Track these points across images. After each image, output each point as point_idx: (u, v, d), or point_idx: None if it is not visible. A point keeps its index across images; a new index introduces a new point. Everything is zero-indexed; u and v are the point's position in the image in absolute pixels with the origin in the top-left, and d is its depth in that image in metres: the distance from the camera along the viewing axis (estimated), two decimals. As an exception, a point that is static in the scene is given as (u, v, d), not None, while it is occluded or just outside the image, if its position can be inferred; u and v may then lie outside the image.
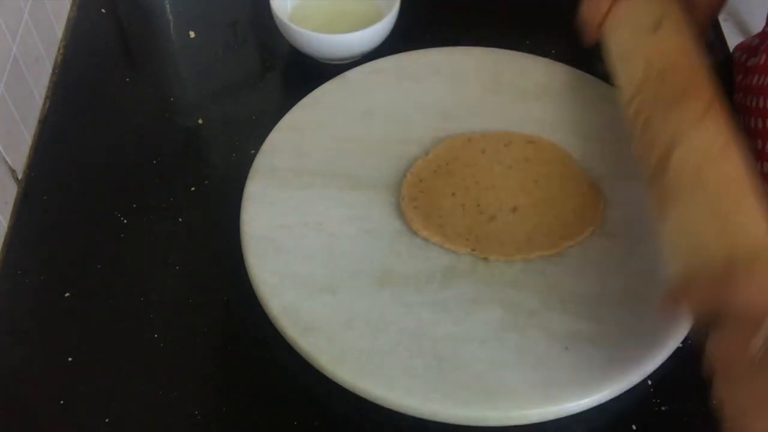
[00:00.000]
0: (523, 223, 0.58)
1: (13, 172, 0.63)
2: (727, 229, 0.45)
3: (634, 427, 0.52)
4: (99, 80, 0.72)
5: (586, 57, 0.67)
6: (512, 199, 0.59)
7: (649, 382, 0.53)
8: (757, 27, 0.71)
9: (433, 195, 0.59)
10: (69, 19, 0.76)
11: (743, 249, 0.44)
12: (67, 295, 0.58)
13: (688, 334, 0.52)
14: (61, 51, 0.74)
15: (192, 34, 0.75)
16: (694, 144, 0.50)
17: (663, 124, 0.53)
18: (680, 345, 0.53)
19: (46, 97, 0.70)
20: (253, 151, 0.63)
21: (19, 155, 0.64)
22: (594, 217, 0.58)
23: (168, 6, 0.78)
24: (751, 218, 0.46)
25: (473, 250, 0.56)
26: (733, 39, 0.74)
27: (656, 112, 0.54)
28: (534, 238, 0.57)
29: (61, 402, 0.52)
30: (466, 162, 0.61)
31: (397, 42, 0.71)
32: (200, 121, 0.69)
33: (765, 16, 0.69)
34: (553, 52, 0.70)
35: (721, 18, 0.78)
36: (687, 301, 0.45)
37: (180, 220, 0.62)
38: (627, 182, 0.60)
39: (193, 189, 0.64)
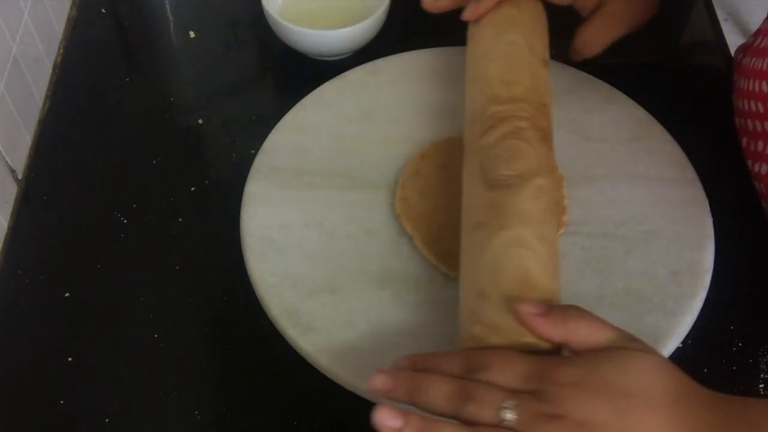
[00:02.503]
0: None
1: (13, 172, 0.63)
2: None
3: (634, 427, 0.52)
4: (99, 80, 0.72)
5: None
6: None
7: (649, 382, 0.53)
8: (756, 27, 0.71)
9: (426, 197, 0.59)
10: (69, 19, 0.76)
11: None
12: (67, 295, 0.58)
13: None
14: (61, 51, 0.74)
15: (192, 34, 0.75)
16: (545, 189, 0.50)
17: (528, 150, 0.52)
18: (680, 345, 0.53)
19: (46, 97, 0.70)
20: (253, 151, 0.63)
21: (19, 155, 0.64)
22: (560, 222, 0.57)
23: (168, 6, 0.78)
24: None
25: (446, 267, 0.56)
26: (733, 39, 0.74)
27: (526, 134, 0.53)
28: None
29: (61, 402, 0.52)
30: (462, 163, 0.61)
31: (396, 42, 0.71)
32: (200, 121, 0.69)
33: (765, 16, 0.69)
34: (553, 52, 0.69)
35: (721, 18, 0.78)
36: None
37: (180, 220, 0.62)
38: (627, 182, 0.60)
39: (193, 189, 0.64)
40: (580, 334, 0.42)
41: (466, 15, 0.62)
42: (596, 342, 0.42)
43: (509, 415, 0.39)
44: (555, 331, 0.42)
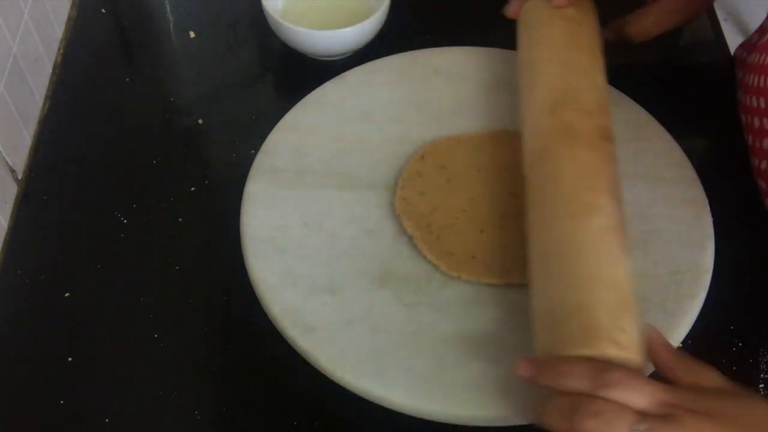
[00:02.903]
0: (509, 239, 0.57)
1: (13, 172, 0.63)
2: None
3: (634, 427, 0.52)
4: (99, 80, 0.72)
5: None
6: (503, 206, 0.59)
7: (649, 382, 0.53)
8: (757, 26, 0.71)
9: (426, 197, 0.59)
10: (69, 19, 0.76)
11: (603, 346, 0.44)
12: (67, 295, 0.58)
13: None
14: (61, 51, 0.74)
15: (192, 34, 0.75)
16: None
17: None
18: (680, 345, 0.53)
19: (46, 97, 0.70)
20: (253, 151, 0.63)
21: (19, 155, 0.64)
22: None
23: (168, 6, 0.78)
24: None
25: (447, 267, 0.56)
26: (733, 39, 0.74)
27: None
28: (518, 260, 0.55)
29: (61, 402, 0.52)
30: (462, 163, 0.61)
31: (396, 42, 0.71)
32: (200, 121, 0.69)
33: (765, 16, 0.69)
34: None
35: (721, 18, 0.78)
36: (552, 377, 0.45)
37: (180, 220, 0.62)
38: (627, 182, 0.60)
39: (193, 189, 0.64)
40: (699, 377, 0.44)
41: (510, 12, 0.63)
42: (708, 383, 0.44)
43: None
44: (685, 376, 0.44)
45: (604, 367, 0.43)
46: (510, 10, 0.63)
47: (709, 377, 0.44)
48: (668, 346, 0.46)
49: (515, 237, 0.56)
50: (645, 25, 0.61)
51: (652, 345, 0.45)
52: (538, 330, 0.48)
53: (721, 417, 0.41)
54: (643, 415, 0.41)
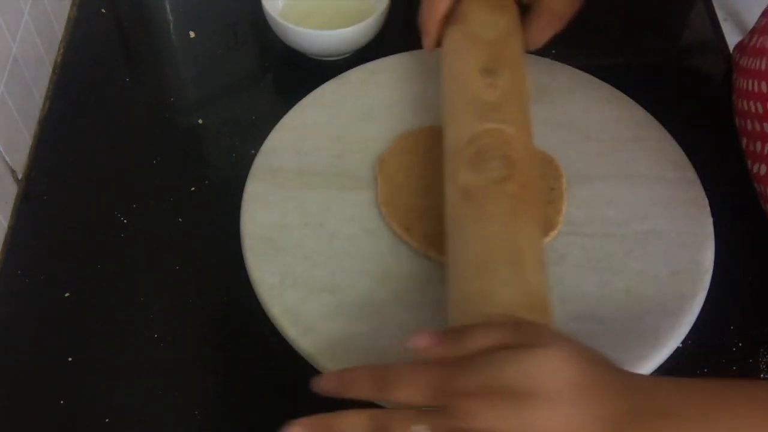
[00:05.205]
0: None
1: (13, 172, 0.63)
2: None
3: (634, 427, 0.52)
4: (99, 80, 0.72)
5: (585, 57, 0.67)
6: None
7: (649, 382, 0.53)
8: (755, 28, 0.71)
9: (406, 191, 0.59)
10: (69, 19, 0.76)
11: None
12: (67, 295, 0.58)
13: None
14: (61, 51, 0.74)
15: (192, 34, 0.75)
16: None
17: None
18: (680, 345, 0.53)
19: (46, 97, 0.70)
20: (253, 151, 0.63)
21: (19, 155, 0.64)
22: (554, 222, 0.58)
23: (168, 6, 0.78)
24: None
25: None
26: (732, 39, 0.74)
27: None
28: None
29: (61, 402, 0.52)
30: (441, 154, 0.61)
31: (396, 42, 0.71)
32: (200, 121, 0.69)
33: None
34: (554, 52, 0.69)
35: (721, 18, 0.78)
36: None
37: (180, 220, 0.62)
38: (627, 182, 0.60)
39: (193, 189, 0.64)
40: (475, 344, 0.41)
41: (426, 46, 0.63)
42: (490, 343, 0.41)
43: None
44: (452, 350, 0.42)
45: (383, 367, 0.42)
46: (427, 42, 0.62)
47: (486, 336, 0.41)
48: (429, 335, 0.43)
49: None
50: (531, 33, 0.61)
51: (416, 351, 0.42)
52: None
53: (497, 387, 0.39)
54: (421, 413, 0.40)
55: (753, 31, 0.67)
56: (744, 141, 0.63)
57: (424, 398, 0.40)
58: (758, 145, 0.61)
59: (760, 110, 0.60)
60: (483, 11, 0.60)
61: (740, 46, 0.69)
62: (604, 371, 0.40)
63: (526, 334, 0.42)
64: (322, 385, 0.44)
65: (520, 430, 0.38)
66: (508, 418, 0.38)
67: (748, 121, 0.62)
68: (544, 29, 0.61)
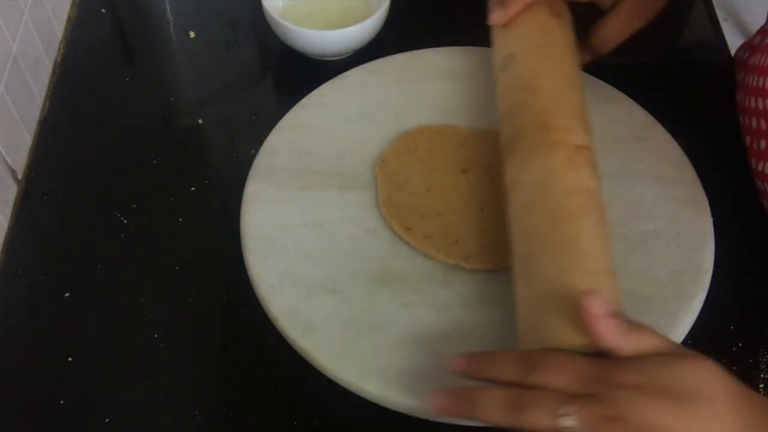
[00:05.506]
0: (492, 228, 0.57)
1: (13, 172, 0.63)
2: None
3: (634, 427, 0.52)
4: (99, 80, 0.72)
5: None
6: (484, 200, 0.59)
7: (649, 382, 0.53)
8: (756, 27, 0.71)
9: (406, 192, 0.59)
10: (69, 19, 0.76)
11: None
12: (67, 295, 0.58)
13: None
14: (61, 51, 0.74)
15: (192, 34, 0.75)
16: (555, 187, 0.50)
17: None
18: (680, 345, 0.53)
19: (46, 97, 0.70)
20: (253, 151, 0.63)
21: (19, 155, 0.64)
22: None
23: (168, 6, 0.78)
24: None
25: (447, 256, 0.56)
26: (732, 39, 0.74)
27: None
28: (501, 246, 0.56)
29: (61, 402, 0.52)
30: (441, 155, 0.61)
31: (396, 42, 0.71)
32: (200, 121, 0.69)
33: (765, 16, 0.69)
34: (553, 52, 0.69)
35: (721, 18, 0.78)
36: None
37: (180, 220, 0.62)
38: (627, 182, 0.60)
39: (193, 189, 0.64)
40: (641, 343, 0.42)
41: (494, 19, 0.62)
42: (650, 348, 0.42)
43: (569, 422, 0.38)
44: (627, 346, 0.41)
45: (531, 352, 0.42)
46: (495, 18, 0.61)
47: (650, 341, 0.42)
48: (607, 317, 0.42)
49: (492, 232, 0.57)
50: (604, 35, 0.60)
51: (589, 318, 0.42)
52: (521, 316, 0.48)
53: (658, 387, 0.39)
54: (571, 396, 0.39)
55: (764, 31, 0.67)
56: (748, 139, 0.63)
57: (575, 383, 0.40)
58: (762, 144, 0.61)
59: (764, 107, 0.60)
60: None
61: (748, 46, 0.69)
62: (751, 390, 0.42)
63: (677, 346, 0.43)
64: (463, 365, 0.44)
65: (677, 429, 0.38)
66: (667, 415, 0.38)
67: (753, 119, 0.62)
68: (621, 29, 0.60)
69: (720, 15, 0.78)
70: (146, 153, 0.66)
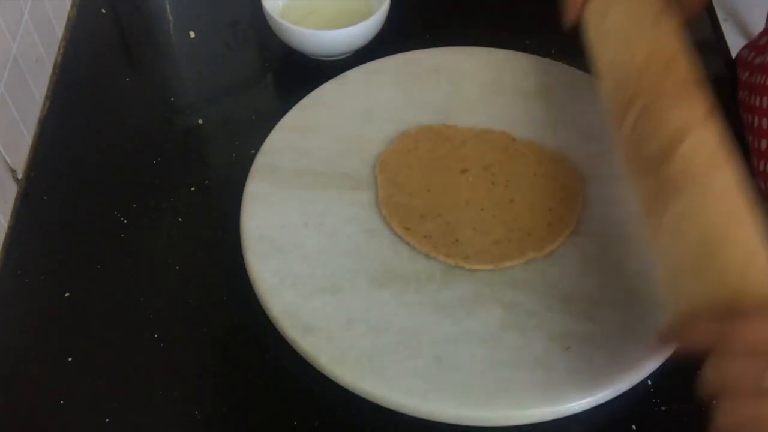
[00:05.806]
0: (491, 228, 0.57)
1: (13, 172, 0.63)
2: (728, 257, 0.43)
3: (634, 427, 0.52)
4: (99, 80, 0.72)
5: (586, 57, 0.67)
6: (484, 200, 0.59)
7: (649, 382, 0.53)
8: (756, 26, 0.71)
9: (406, 192, 0.59)
10: (69, 19, 0.76)
11: (749, 286, 0.42)
12: (67, 295, 0.58)
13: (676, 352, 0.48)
14: (61, 51, 0.74)
15: (192, 34, 0.75)
16: (703, 140, 0.49)
17: (668, 114, 0.51)
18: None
19: (46, 97, 0.70)
20: (253, 151, 0.63)
21: (19, 155, 0.64)
22: (569, 221, 0.58)
23: (168, 6, 0.78)
24: (751, 241, 0.44)
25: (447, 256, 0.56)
26: (732, 39, 0.74)
27: (659, 102, 0.52)
28: (501, 245, 0.56)
29: (61, 402, 0.52)
30: (441, 155, 0.61)
31: (396, 42, 0.71)
32: (200, 121, 0.69)
33: (765, 16, 0.69)
34: (553, 52, 0.70)
35: (721, 18, 0.78)
36: (688, 338, 0.43)
37: (180, 220, 0.62)
38: (627, 182, 0.60)
39: (193, 189, 0.64)
40: None
41: (568, 20, 0.62)
42: None
43: None
44: None
45: (726, 317, 0.41)
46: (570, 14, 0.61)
47: None
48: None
49: (493, 232, 0.57)
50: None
51: None
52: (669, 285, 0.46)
53: None
54: None
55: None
56: (749, 138, 0.63)
57: None
58: (763, 143, 0.61)
59: None
60: None
61: (754, 45, 0.69)
62: None
63: None
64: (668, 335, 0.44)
65: None
66: None
67: (756, 118, 0.62)
68: None
69: (720, 15, 0.78)
70: (146, 153, 0.66)
